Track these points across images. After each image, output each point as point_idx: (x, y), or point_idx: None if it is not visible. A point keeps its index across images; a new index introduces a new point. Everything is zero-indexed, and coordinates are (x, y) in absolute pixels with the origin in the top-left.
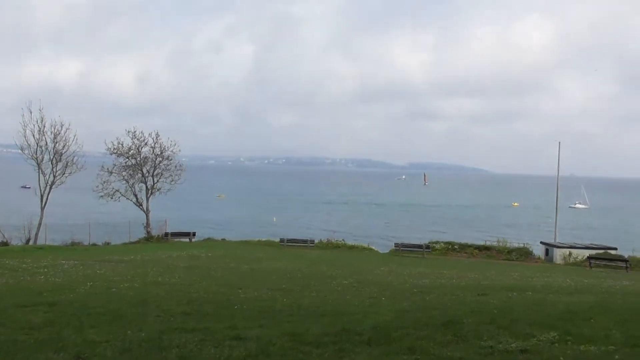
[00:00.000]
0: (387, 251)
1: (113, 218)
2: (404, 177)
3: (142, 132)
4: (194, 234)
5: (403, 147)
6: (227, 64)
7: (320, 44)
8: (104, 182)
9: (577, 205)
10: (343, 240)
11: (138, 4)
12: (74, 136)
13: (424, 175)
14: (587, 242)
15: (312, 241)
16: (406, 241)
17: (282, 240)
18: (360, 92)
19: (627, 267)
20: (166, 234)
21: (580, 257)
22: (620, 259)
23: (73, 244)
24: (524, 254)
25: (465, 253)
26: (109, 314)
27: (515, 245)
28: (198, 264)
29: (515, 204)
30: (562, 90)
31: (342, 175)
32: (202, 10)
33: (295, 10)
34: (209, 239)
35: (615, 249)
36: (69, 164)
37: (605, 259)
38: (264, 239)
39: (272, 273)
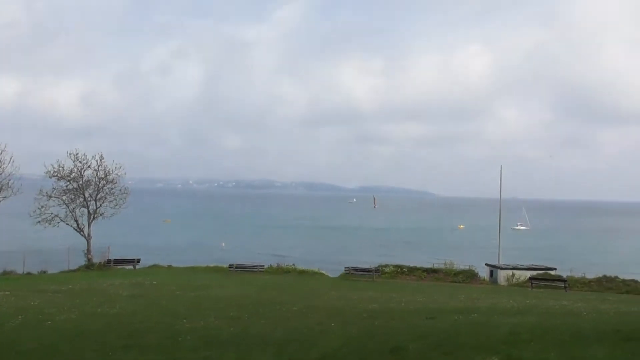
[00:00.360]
0: (338, 275)
1: (51, 245)
2: (354, 200)
3: (85, 154)
4: (138, 261)
5: (353, 170)
6: (176, 86)
7: (270, 68)
8: (42, 206)
9: (519, 227)
10: (293, 264)
11: (82, 23)
12: (10, 158)
13: (374, 199)
14: (528, 263)
15: (262, 266)
16: (356, 265)
17: (231, 266)
18: (310, 115)
19: (565, 287)
20: (108, 261)
21: (522, 278)
22: (560, 279)
23: (5, 273)
24: (470, 276)
25: (414, 276)
26: (42, 350)
27: (462, 267)
28: (142, 292)
29: (461, 226)
30: (502, 116)
31: (292, 198)
32: (150, 32)
33: (245, 34)
34: (154, 265)
35: (555, 269)
36: (3, 187)
37: (545, 279)
38: (212, 265)
39: (220, 300)
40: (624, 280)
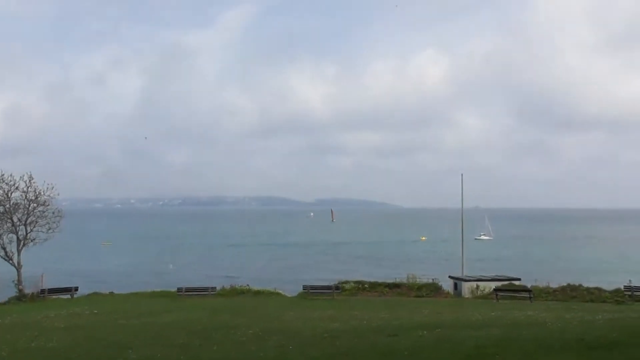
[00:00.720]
0: (296, 294)
1: None
2: (311, 214)
3: (11, 175)
4: (76, 289)
5: (309, 183)
6: (112, 97)
7: (216, 77)
8: None
9: (482, 237)
10: (248, 285)
11: (5, 31)
12: None
13: (332, 212)
14: (493, 274)
15: (214, 288)
16: (315, 282)
17: (179, 290)
18: (261, 126)
19: (530, 297)
20: (42, 291)
21: (487, 290)
22: (524, 289)
23: None
24: (434, 289)
25: (376, 292)
26: None
27: (425, 280)
28: (80, 323)
29: (423, 237)
30: (461, 123)
31: (245, 214)
32: (81, 40)
33: (188, 40)
34: (94, 293)
35: (519, 279)
36: None
37: (510, 290)
38: (158, 290)
39: (169, 327)
40: (587, 289)
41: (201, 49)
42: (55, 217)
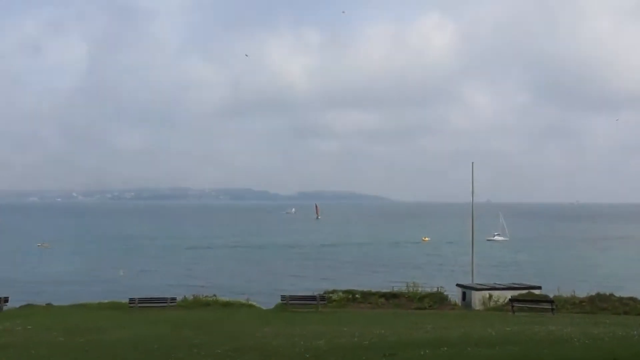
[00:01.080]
0: (272, 306)
1: None
2: (293, 210)
3: None
4: (5, 300)
5: (290, 173)
6: (50, 69)
7: (177, 45)
8: None
9: (496, 238)
10: (215, 295)
11: None
12: None
13: (316, 207)
14: (508, 282)
15: (174, 299)
16: (296, 292)
17: (132, 301)
18: (231, 104)
19: (552, 309)
20: None
21: (501, 300)
22: (545, 299)
23: None
24: (438, 300)
25: (369, 303)
26: None
27: (428, 290)
28: (11, 341)
29: (426, 238)
30: (471, 101)
31: (212, 210)
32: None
33: (143, 2)
34: (28, 305)
35: (539, 287)
36: None
37: (528, 300)
38: (107, 301)
39: (119, 345)
40: (620, 299)
41: (158, 10)
42: None
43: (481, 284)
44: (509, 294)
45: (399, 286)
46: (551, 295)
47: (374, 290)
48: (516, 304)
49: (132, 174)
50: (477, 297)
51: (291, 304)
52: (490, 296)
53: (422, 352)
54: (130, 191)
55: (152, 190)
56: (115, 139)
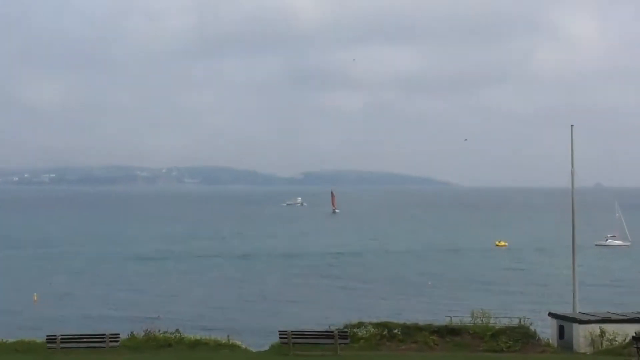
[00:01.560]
0: (267, 348)
1: None
2: (299, 200)
3: None
4: None
5: (290, 146)
6: None
7: None
8: None
9: (611, 241)
10: (177, 331)
11: None
12: None
13: (332, 196)
14: (631, 310)
15: (115, 336)
16: (304, 326)
17: (51, 339)
18: (200, 38)
19: None
20: None
21: (620, 338)
22: None
23: None
24: (522, 337)
25: (415, 343)
26: None
27: (506, 322)
28: None
29: (502, 242)
30: (564, 33)
31: (172, 200)
32: None
33: None
34: None
35: None
36: None
37: None
38: (14, 340)
39: None
40: None
41: None
42: None
43: (588, 314)
44: (632, 329)
45: (460, 317)
46: None
47: (421, 323)
48: None
49: (53, 146)
50: (581, 334)
51: (295, 343)
52: (603, 332)
53: None
54: (48, 172)
55: (80, 170)
56: (24, 93)
